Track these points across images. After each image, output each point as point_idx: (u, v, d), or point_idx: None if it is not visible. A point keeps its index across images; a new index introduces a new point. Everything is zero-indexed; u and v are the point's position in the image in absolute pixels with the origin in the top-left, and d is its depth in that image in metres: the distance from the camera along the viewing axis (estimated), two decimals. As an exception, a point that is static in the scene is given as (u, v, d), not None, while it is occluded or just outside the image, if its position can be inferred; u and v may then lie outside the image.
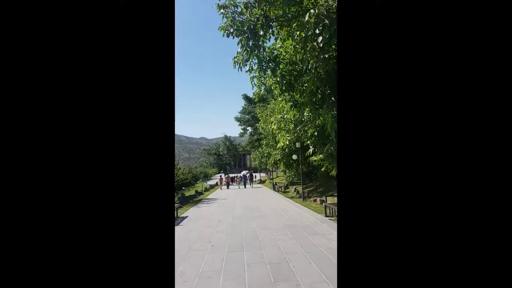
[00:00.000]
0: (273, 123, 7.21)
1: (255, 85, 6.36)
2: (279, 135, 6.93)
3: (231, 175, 28.14)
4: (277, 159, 12.42)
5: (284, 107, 6.87)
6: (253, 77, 6.21)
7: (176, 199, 13.92)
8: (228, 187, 22.44)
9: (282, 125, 7.13)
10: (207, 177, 44.73)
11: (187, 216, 8.86)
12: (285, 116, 7.15)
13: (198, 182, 41.60)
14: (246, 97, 32.29)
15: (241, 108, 32.57)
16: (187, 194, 16.62)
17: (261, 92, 6.53)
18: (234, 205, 11.11)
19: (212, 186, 25.37)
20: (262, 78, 6.46)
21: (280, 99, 6.23)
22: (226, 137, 36.82)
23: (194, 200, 14.69)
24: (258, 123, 14.68)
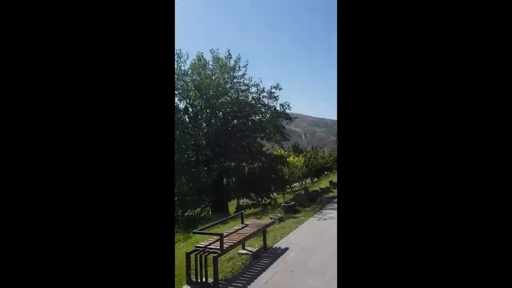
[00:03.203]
0: None
1: None
2: None
3: None
4: None
5: None
6: None
7: (289, 198, 9.63)
8: None
9: None
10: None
11: (285, 250, 4.26)
12: None
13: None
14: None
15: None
16: (314, 188, 12.00)
17: None
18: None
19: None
20: None
21: None
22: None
23: (323, 197, 9.88)
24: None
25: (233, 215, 5.22)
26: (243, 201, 11.40)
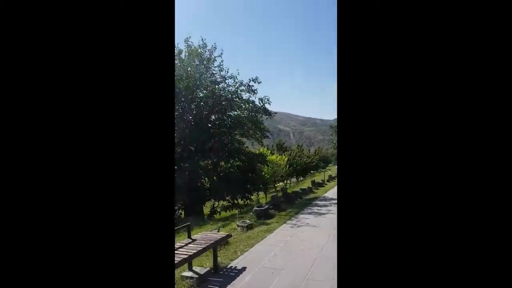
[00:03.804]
0: None
1: None
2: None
3: None
4: None
5: None
6: None
7: (267, 200, 8.83)
8: None
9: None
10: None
11: (241, 271, 3.40)
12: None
13: (330, 164, 35.64)
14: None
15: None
16: (292, 190, 11.25)
17: None
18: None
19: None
20: None
21: None
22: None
23: (303, 199, 9.12)
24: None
25: (180, 226, 4.36)
26: (217, 203, 10.50)
